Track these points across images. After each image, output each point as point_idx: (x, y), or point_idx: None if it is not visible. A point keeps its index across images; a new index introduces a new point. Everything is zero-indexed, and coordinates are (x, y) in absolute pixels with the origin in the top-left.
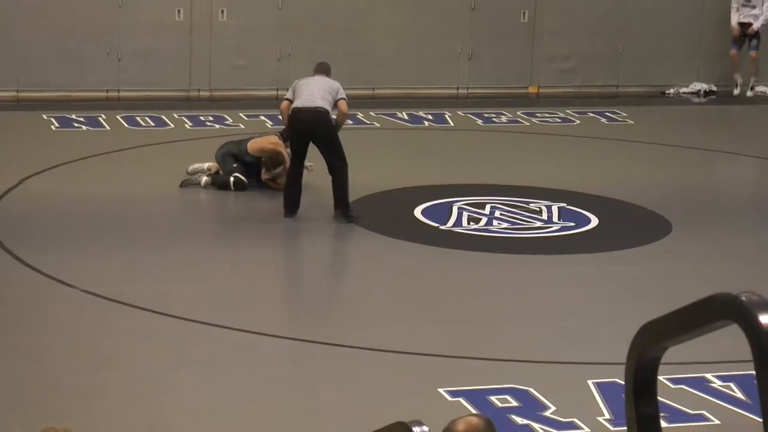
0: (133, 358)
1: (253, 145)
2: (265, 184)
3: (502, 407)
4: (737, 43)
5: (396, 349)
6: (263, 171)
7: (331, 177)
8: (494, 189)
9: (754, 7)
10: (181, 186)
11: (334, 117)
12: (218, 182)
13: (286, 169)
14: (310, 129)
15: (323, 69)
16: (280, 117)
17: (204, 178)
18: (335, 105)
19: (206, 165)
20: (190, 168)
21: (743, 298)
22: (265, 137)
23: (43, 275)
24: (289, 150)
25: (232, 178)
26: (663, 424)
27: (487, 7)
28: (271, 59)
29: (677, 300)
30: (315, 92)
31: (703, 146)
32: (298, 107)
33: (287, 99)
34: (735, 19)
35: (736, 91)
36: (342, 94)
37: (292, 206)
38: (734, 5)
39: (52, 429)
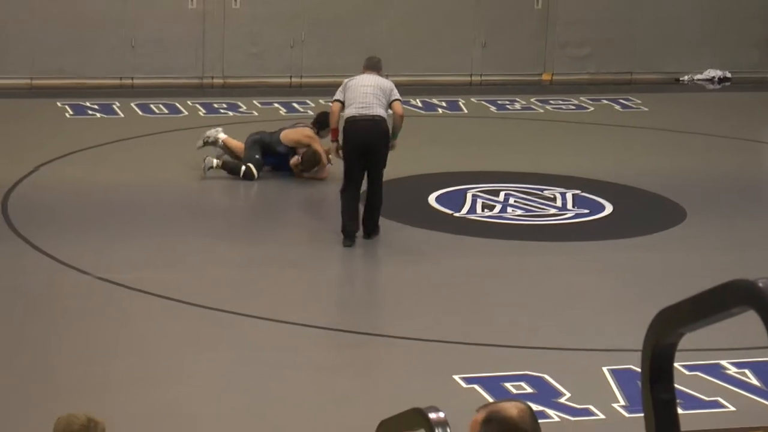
0: (149, 344)
1: (287, 136)
2: (294, 173)
3: (516, 394)
4: None
5: (410, 336)
6: (294, 158)
7: (366, 202)
8: (508, 176)
9: None
10: (203, 144)
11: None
12: (229, 167)
13: (323, 164)
14: (367, 141)
15: (374, 65)
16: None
17: (215, 161)
18: (389, 106)
19: (214, 162)
20: (208, 133)
21: (760, 285)
22: (299, 129)
23: (57, 262)
24: (332, 156)
25: (243, 167)
26: (678, 410)
27: None
28: (284, 46)
29: (692, 287)
30: (369, 95)
31: (717, 133)
32: (353, 116)
33: (337, 100)
34: None
35: None
36: (396, 94)
37: (351, 233)
38: None
39: (72, 416)
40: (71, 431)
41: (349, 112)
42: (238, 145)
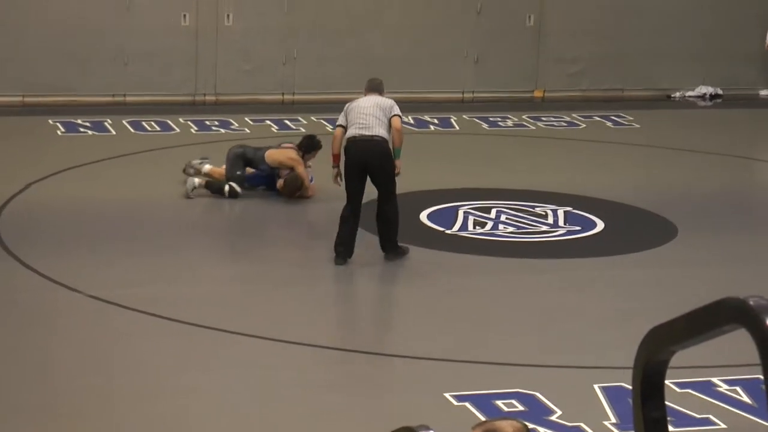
0: (139, 362)
1: (271, 156)
2: (281, 193)
3: (508, 411)
4: None
5: (401, 353)
6: (279, 181)
7: (377, 215)
8: (500, 193)
9: None
10: (184, 171)
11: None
12: (212, 187)
13: (306, 187)
14: (365, 159)
15: (375, 87)
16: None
17: (197, 180)
18: (389, 124)
19: (196, 182)
20: (193, 162)
21: (752, 303)
22: (285, 150)
23: (48, 279)
24: (340, 177)
25: (227, 187)
26: (669, 428)
27: (493, 10)
28: (276, 63)
29: (684, 304)
30: (369, 116)
31: (709, 150)
32: (353, 136)
33: (340, 125)
34: None
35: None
36: (396, 110)
37: (344, 252)
38: None
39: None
40: None
41: (350, 132)
42: (222, 172)
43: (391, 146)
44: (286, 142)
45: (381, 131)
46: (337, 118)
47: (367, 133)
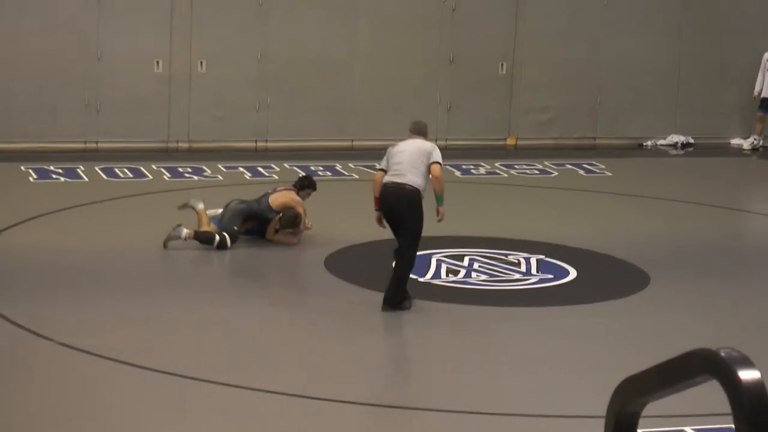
0: (111, 411)
1: (276, 201)
2: (266, 236)
3: None
4: (764, 106)
5: (373, 402)
6: (269, 231)
7: (394, 262)
8: (473, 241)
9: None
10: (164, 246)
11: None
12: (201, 237)
13: (300, 230)
14: (393, 207)
15: (419, 130)
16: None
17: (185, 231)
18: (428, 171)
19: (184, 233)
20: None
21: (722, 354)
22: (286, 192)
23: (19, 327)
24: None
25: (218, 237)
26: None
27: (466, 58)
28: (250, 111)
29: (656, 353)
30: (404, 163)
31: (681, 198)
32: (386, 182)
33: (381, 169)
34: (758, 86)
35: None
36: (436, 156)
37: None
38: (761, 70)
39: None
40: None
41: (386, 178)
42: (209, 224)
43: (422, 193)
44: (279, 185)
45: (414, 179)
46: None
47: (398, 180)
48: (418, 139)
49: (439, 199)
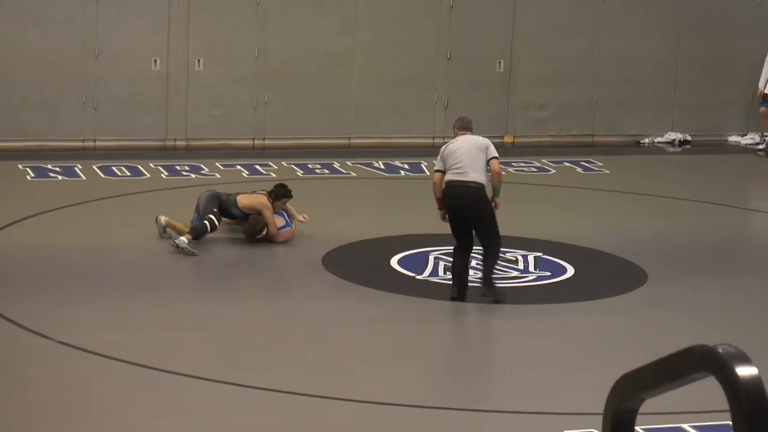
0: (109, 410)
1: (242, 201)
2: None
3: None
4: (766, 101)
5: (373, 399)
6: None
7: (483, 254)
8: None
9: None
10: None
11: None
12: (196, 231)
13: (271, 233)
14: (462, 207)
15: (466, 125)
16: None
17: (181, 238)
18: (487, 164)
19: (162, 219)
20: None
21: (720, 351)
22: (256, 196)
23: (17, 326)
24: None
25: (207, 222)
26: None
27: (463, 56)
28: (247, 108)
29: (654, 350)
30: (465, 161)
31: (678, 195)
32: (450, 181)
33: (438, 171)
34: (763, 83)
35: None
36: (493, 151)
37: (459, 288)
38: (765, 66)
39: None
40: None
41: (447, 177)
42: (182, 226)
43: (489, 187)
44: (260, 190)
45: (477, 176)
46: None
47: (463, 179)
48: (467, 134)
49: (497, 192)
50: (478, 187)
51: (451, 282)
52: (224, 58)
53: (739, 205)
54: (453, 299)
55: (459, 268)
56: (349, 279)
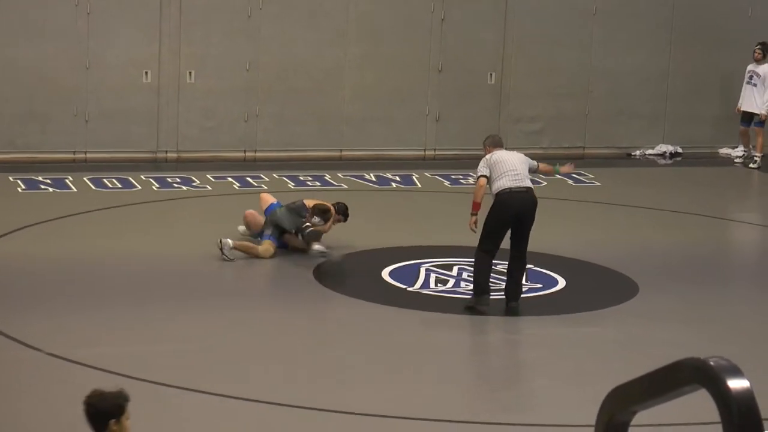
0: None
1: (309, 202)
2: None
3: None
4: (745, 120)
5: (366, 411)
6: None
7: (510, 264)
8: (461, 250)
9: (755, 85)
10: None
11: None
12: (314, 236)
13: (325, 228)
14: (521, 211)
15: (498, 142)
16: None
17: (227, 240)
18: (535, 170)
19: (229, 242)
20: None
21: (712, 363)
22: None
23: (7, 338)
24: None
25: (312, 229)
26: None
27: (454, 68)
28: (238, 121)
29: (645, 362)
30: (519, 170)
31: (669, 207)
32: (508, 187)
33: (484, 176)
34: (743, 99)
35: (753, 164)
36: (532, 160)
37: (488, 290)
38: (745, 82)
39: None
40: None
41: (504, 183)
42: (249, 246)
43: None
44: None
45: (530, 183)
46: (478, 170)
47: (522, 185)
48: (501, 149)
49: (557, 170)
50: (533, 192)
51: (480, 286)
52: (215, 70)
53: (730, 217)
54: (477, 310)
55: (487, 274)
56: (340, 291)
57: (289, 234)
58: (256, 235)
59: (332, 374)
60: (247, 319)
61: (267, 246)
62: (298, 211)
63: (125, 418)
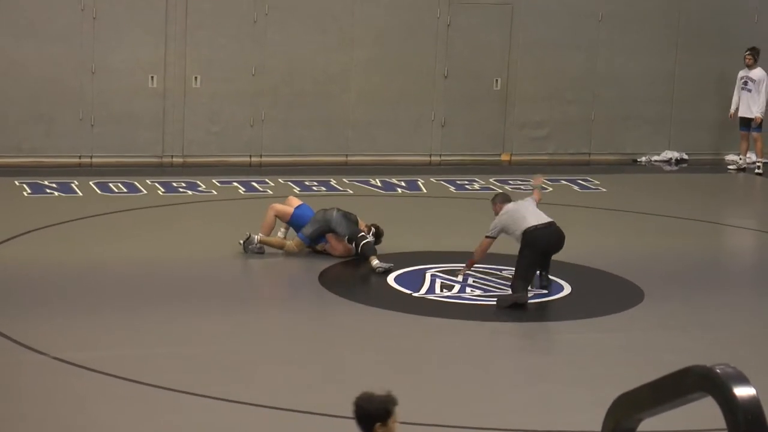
0: (104, 426)
1: (361, 224)
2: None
3: None
4: (744, 125)
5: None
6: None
7: (543, 287)
8: (467, 256)
9: (749, 91)
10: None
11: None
12: (370, 249)
13: (339, 249)
14: (555, 241)
15: (509, 199)
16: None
17: (257, 236)
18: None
19: (256, 237)
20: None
21: (718, 371)
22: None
23: (13, 342)
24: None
25: (367, 237)
26: None
27: (460, 74)
28: (244, 125)
29: (651, 368)
30: (538, 211)
31: (674, 214)
32: (536, 225)
33: (492, 237)
34: (734, 105)
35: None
36: (531, 199)
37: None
38: (737, 89)
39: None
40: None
41: (530, 222)
42: (278, 241)
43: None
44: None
45: (549, 218)
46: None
47: (546, 221)
48: (511, 202)
49: (537, 188)
50: (557, 225)
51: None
52: (221, 75)
53: (736, 224)
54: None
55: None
56: (346, 296)
57: (335, 239)
58: (290, 225)
59: (337, 379)
60: (252, 323)
61: (299, 241)
62: (355, 220)
63: (392, 421)
